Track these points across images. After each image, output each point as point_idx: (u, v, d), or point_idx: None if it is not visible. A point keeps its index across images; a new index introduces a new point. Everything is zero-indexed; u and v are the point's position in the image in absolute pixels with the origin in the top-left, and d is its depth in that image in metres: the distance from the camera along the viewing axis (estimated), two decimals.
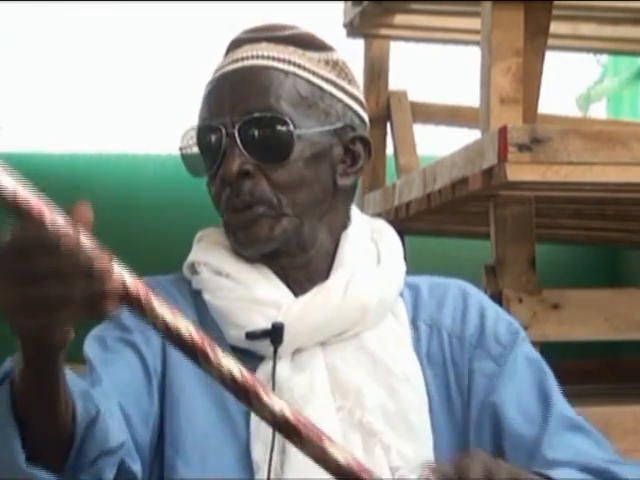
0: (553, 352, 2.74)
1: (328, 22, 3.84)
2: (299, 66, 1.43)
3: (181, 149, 1.47)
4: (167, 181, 5.02)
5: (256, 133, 1.38)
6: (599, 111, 6.16)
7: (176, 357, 1.38)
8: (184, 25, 5.93)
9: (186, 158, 1.47)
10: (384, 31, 3.94)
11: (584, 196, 2.70)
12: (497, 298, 2.43)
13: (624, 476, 1.29)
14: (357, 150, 1.46)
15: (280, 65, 1.42)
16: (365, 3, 3.70)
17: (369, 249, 1.47)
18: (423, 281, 1.51)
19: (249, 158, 1.38)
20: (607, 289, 2.70)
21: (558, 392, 1.43)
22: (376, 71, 3.97)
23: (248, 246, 1.41)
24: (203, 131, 1.42)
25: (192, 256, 1.46)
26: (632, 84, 5.73)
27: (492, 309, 1.48)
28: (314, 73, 1.43)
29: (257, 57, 1.42)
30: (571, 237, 4.15)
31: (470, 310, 1.46)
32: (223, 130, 1.39)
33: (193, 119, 1.46)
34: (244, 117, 1.38)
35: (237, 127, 1.38)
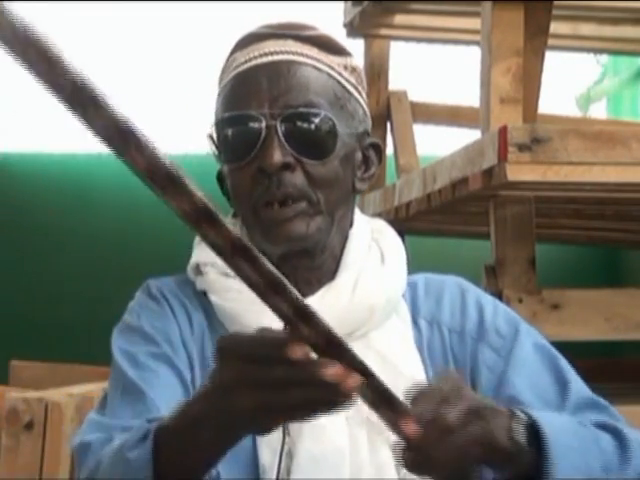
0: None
1: (328, 22, 3.84)
2: (329, 66, 1.42)
3: (211, 136, 1.42)
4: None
5: (299, 127, 1.36)
6: (599, 111, 6.16)
7: (193, 361, 1.38)
8: (184, 25, 5.93)
9: (218, 144, 1.43)
10: (384, 31, 3.94)
11: (584, 196, 2.70)
12: (497, 298, 2.43)
13: (631, 435, 1.28)
14: (371, 156, 1.47)
15: (316, 64, 1.41)
16: (365, 3, 3.71)
17: (372, 249, 1.47)
18: (419, 278, 1.51)
19: (290, 151, 1.36)
20: (607, 289, 2.70)
21: (572, 373, 1.42)
22: (376, 71, 3.97)
23: (281, 242, 1.38)
24: (236, 120, 1.39)
25: (196, 257, 1.45)
26: (632, 84, 5.73)
27: (490, 303, 1.48)
28: (341, 75, 1.43)
29: (291, 53, 1.41)
30: (571, 237, 4.15)
31: (468, 305, 1.46)
32: (263, 120, 1.36)
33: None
34: (286, 110, 1.36)
35: (279, 119, 1.36)
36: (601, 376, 3.72)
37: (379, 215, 3.27)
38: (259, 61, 1.40)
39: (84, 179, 5.01)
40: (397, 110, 3.95)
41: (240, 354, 0.99)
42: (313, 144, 1.37)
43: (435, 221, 3.51)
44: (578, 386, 1.41)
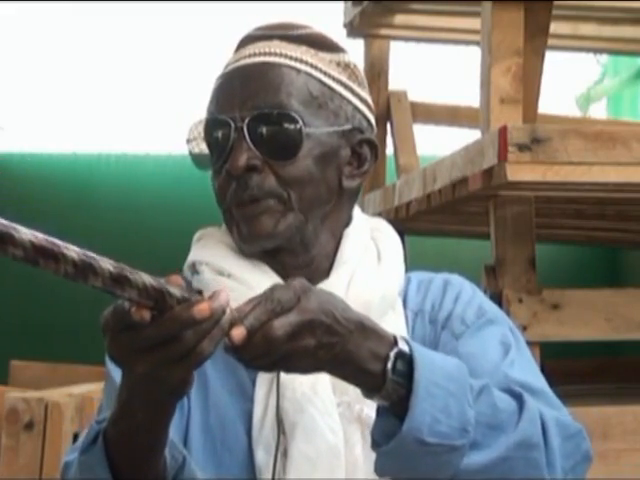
0: (553, 352, 2.75)
1: (328, 22, 3.84)
2: (311, 65, 1.43)
3: (188, 141, 1.46)
4: (167, 181, 5.02)
5: (265, 129, 1.38)
6: (599, 111, 6.16)
7: None
8: (184, 25, 5.93)
9: (192, 151, 1.46)
10: (384, 31, 3.94)
11: (584, 196, 2.70)
12: (497, 298, 2.43)
13: (532, 404, 1.26)
14: (364, 153, 1.46)
15: (292, 63, 1.42)
16: (365, 3, 3.70)
17: (369, 247, 1.47)
18: (415, 275, 1.52)
19: (257, 153, 1.38)
20: (607, 289, 2.70)
21: (525, 363, 1.41)
22: (376, 71, 3.97)
23: (251, 241, 1.40)
24: (211, 124, 1.42)
25: (192, 256, 1.46)
26: (632, 84, 5.73)
27: (467, 295, 1.48)
28: (325, 73, 1.43)
29: (269, 54, 1.42)
30: (571, 237, 4.15)
31: (447, 296, 1.47)
32: (232, 124, 1.38)
33: (194, 118, 1.45)
34: (253, 112, 1.38)
35: (246, 122, 1.38)
36: (601, 376, 3.73)
37: (379, 215, 3.27)
38: (236, 65, 1.43)
39: (84, 179, 5.01)
40: (397, 110, 3.95)
41: (112, 328, 1.08)
42: (278, 144, 1.38)
43: (435, 221, 3.51)
44: (519, 373, 1.37)
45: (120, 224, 4.87)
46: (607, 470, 2.38)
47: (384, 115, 3.94)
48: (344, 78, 1.45)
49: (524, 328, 2.42)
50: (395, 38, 4.02)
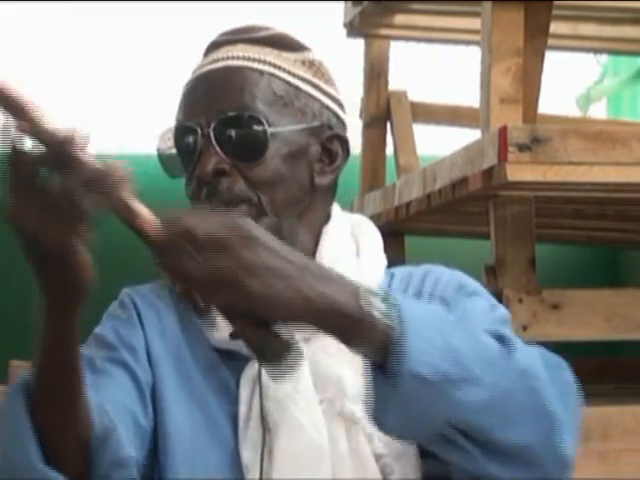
0: (553, 352, 2.74)
1: (328, 22, 3.84)
2: (274, 66, 1.43)
3: (158, 150, 1.47)
4: (167, 181, 5.01)
5: (230, 132, 1.39)
6: (599, 111, 6.16)
7: (162, 368, 1.39)
8: (184, 25, 5.93)
9: (164, 159, 1.48)
10: (384, 31, 3.94)
11: (584, 196, 2.70)
12: (497, 298, 2.43)
13: (516, 340, 1.22)
14: (334, 149, 1.46)
15: (255, 65, 1.43)
16: (365, 3, 3.70)
17: (348, 243, 1.47)
18: (398, 270, 1.51)
19: (224, 157, 1.38)
20: (607, 289, 2.70)
21: (506, 330, 1.34)
22: (376, 71, 3.97)
23: None
24: (179, 132, 1.43)
25: None
26: (632, 84, 5.73)
27: (447, 276, 1.46)
28: (290, 72, 1.44)
29: (232, 58, 1.43)
30: (571, 237, 4.15)
31: (427, 283, 1.46)
32: (198, 130, 1.39)
33: (163, 127, 1.47)
34: (218, 116, 1.39)
35: (212, 127, 1.39)
36: (601, 376, 3.73)
37: (379, 215, 3.28)
38: (200, 71, 1.45)
39: None
40: (397, 110, 3.95)
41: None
42: (244, 146, 1.39)
43: (435, 221, 3.51)
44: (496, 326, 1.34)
45: (120, 224, 4.87)
46: (607, 470, 2.38)
47: (384, 115, 3.94)
48: (309, 76, 1.46)
49: (524, 328, 2.42)
50: (395, 38, 4.02)
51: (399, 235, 3.64)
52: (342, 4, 3.95)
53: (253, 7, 5.17)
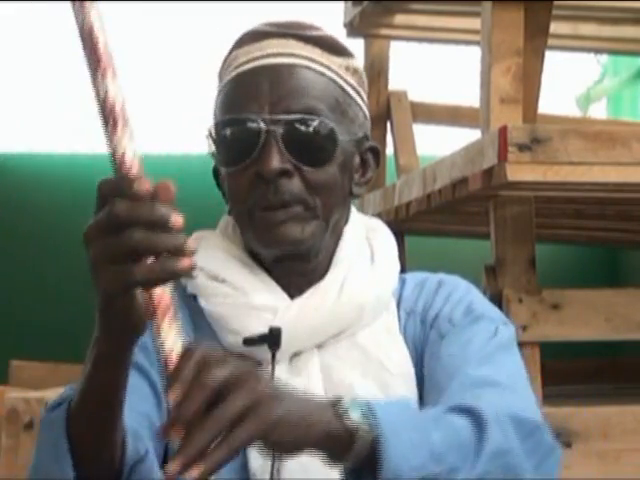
0: (553, 352, 2.74)
1: (328, 22, 3.84)
2: (332, 70, 1.41)
3: (210, 135, 1.41)
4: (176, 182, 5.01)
5: (299, 133, 1.36)
6: (599, 111, 6.16)
7: None
8: (183, 25, 5.93)
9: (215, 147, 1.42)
10: (384, 31, 3.94)
11: (584, 196, 2.70)
12: (497, 298, 2.43)
13: (487, 412, 1.20)
14: (369, 160, 1.46)
15: (317, 67, 1.40)
16: (365, 3, 3.70)
17: (363, 248, 1.46)
18: (410, 276, 1.50)
19: (289, 157, 1.36)
20: (607, 289, 2.70)
21: (502, 356, 1.37)
22: (376, 71, 3.97)
23: (275, 245, 1.37)
24: (234, 122, 1.38)
25: None
26: (632, 84, 5.73)
27: (459, 294, 1.45)
28: (343, 78, 1.42)
29: (293, 55, 1.40)
30: (571, 237, 4.15)
31: (438, 296, 1.45)
32: (262, 125, 1.35)
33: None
34: (287, 116, 1.36)
35: (280, 125, 1.35)
36: (601, 376, 3.74)
37: (379, 215, 3.27)
38: (260, 62, 1.39)
39: (84, 179, 5.01)
40: (397, 110, 3.95)
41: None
42: (312, 151, 1.37)
43: (435, 221, 3.51)
44: (488, 367, 1.35)
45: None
46: (607, 470, 2.38)
47: (384, 115, 3.94)
48: (355, 83, 1.44)
49: (524, 328, 2.42)
50: (395, 38, 4.02)
51: (399, 235, 3.64)
52: (342, 4, 3.95)
53: (253, 7, 5.17)
